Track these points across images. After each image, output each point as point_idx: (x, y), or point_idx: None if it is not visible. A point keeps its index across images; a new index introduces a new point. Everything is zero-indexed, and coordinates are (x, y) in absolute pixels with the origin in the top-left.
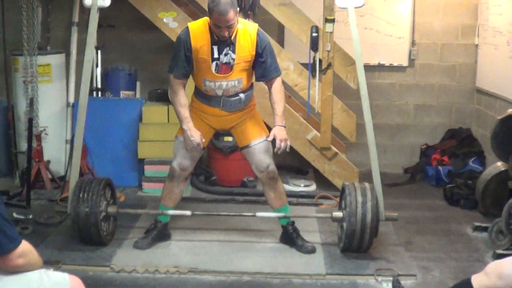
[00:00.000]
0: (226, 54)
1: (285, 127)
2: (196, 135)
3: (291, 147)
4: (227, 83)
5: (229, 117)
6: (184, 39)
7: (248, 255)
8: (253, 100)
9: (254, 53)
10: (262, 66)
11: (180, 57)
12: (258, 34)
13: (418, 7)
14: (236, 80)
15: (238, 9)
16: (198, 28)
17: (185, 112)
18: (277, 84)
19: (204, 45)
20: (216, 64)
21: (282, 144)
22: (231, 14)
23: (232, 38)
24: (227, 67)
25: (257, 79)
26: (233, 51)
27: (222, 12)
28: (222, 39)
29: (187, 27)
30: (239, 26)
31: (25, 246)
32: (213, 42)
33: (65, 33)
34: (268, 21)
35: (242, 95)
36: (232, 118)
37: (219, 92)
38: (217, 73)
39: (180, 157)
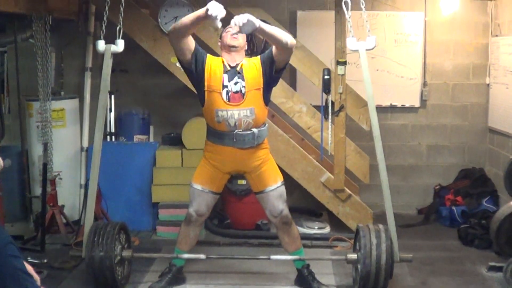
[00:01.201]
0: (236, 83)
1: (258, 25)
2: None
3: (305, 190)
4: (239, 112)
5: (243, 156)
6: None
7: None
8: (266, 143)
9: (262, 80)
10: (265, 58)
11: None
12: (260, 59)
13: (429, 48)
14: (248, 109)
15: (246, 43)
16: (214, 58)
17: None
18: None
19: (217, 72)
20: (227, 92)
21: (238, 18)
22: None
23: (238, 69)
24: (239, 96)
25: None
26: (242, 79)
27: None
28: (232, 41)
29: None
30: (244, 62)
31: None
32: (224, 71)
33: (78, 78)
34: None
35: (255, 130)
36: (245, 159)
37: (232, 123)
38: (228, 102)
39: (197, 203)
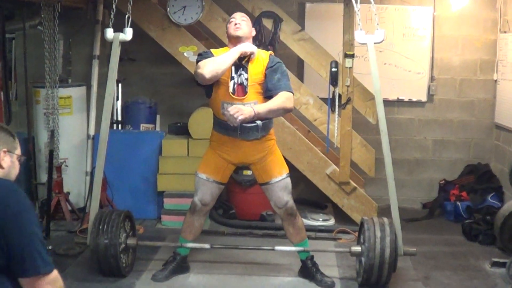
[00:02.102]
0: (240, 75)
1: (255, 112)
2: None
3: (310, 182)
4: (243, 106)
5: (248, 148)
6: (207, 54)
7: None
8: (273, 134)
9: (265, 72)
10: (271, 81)
11: (208, 55)
12: (269, 56)
13: (437, 42)
14: (251, 102)
15: (253, 29)
16: (220, 50)
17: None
18: (282, 93)
19: None
20: (234, 83)
21: (233, 111)
22: (244, 14)
23: (244, 61)
24: (242, 89)
25: (265, 94)
26: (246, 71)
27: (237, 12)
28: (235, 32)
29: (210, 50)
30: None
31: (56, 274)
32: (233, 63)
33: (86, 66)
34: (288, 56)
35: (259, 122)
36: (250, 150)
37: None
38: (233, 94)
39: (202, 192)
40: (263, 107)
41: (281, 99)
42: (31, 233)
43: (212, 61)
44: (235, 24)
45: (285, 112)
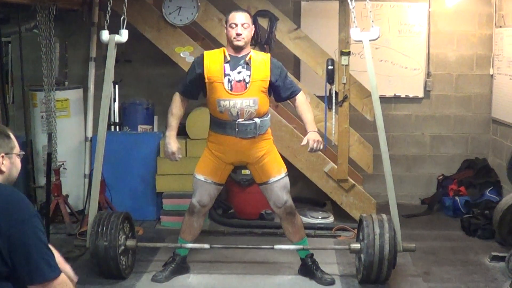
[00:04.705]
0: (239, 72)
1: (316, 131)
2: (173, 144)
3: (309, 180)
4: (241, 102)
5: (245, 147)
6: (197, 60)
7: None
8: (270, 133)
9: (269, 74)
10: (280, 88)
11: (188, 78)
12: (271, 59)
13: (433, 38)
14: (251, 99)
15: (253, 26)
16: (213, 52)
17: (173, 121)
18: (300, 97)
19: (217, 64)
20: (228, 80)
21: (315, 145)
22: (246, 15)
23: (247, 59)
24: (242, 85)
25: (278, 100)
26: (248, 69)
27: (236, 10)
28: (237, 42)
29: (203, 53)
30: (252, 54)
31: (63, 278)
32: (225, 61)
33: (82, 68)
34: (284, 54)
35: (257, 120)
36: (248, 149)
37: (234, 112)
38: (230, 91)
39: (200, 194)
40: (310, 121)
41: (305, 103)
42: (36, 240)
43: (169, 111)
44: (237, 33)
45: None
